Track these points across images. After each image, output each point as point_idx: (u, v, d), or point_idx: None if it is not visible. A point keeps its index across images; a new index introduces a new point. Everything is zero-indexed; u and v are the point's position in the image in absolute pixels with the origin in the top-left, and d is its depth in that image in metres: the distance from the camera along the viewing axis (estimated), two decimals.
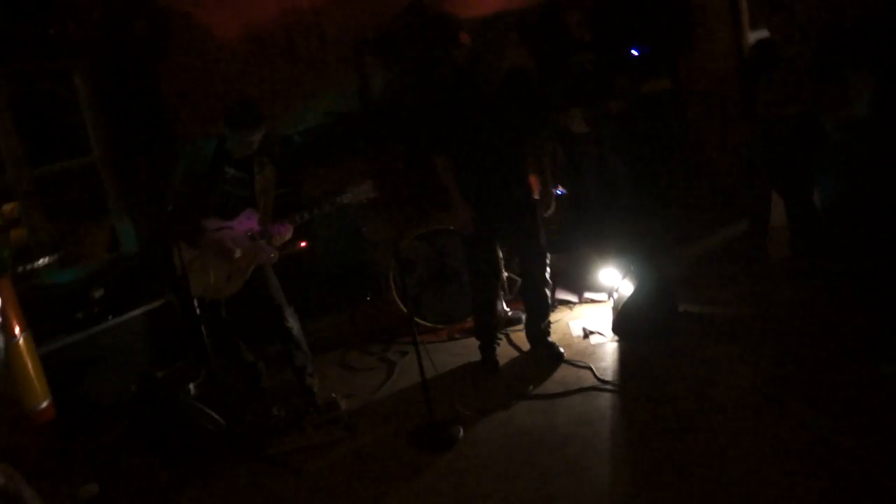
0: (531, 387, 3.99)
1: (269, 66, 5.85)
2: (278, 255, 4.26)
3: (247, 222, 4.16)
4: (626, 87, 5.17)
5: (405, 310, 4.62)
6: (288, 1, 5.95)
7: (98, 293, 4.91)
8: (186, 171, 4.11)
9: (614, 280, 4.87)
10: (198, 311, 3.87)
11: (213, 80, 5.72)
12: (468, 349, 4.65)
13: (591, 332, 4.61)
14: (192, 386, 4.69)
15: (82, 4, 5.12)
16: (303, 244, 5.76)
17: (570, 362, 4.24)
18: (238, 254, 4.11)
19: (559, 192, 6.19)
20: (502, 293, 5.14)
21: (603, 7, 5.69)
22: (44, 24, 4.92)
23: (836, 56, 3.52)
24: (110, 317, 4.68)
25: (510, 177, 4.15)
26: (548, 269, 4.40)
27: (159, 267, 4.91)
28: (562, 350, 4.35)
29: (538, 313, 4.44)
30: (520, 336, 4.77)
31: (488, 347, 4.44)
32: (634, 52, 5.82)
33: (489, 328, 4.46)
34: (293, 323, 4.38)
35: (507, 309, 5.12)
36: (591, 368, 4.08)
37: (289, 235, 4.24)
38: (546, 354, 4.37)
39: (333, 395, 4.19)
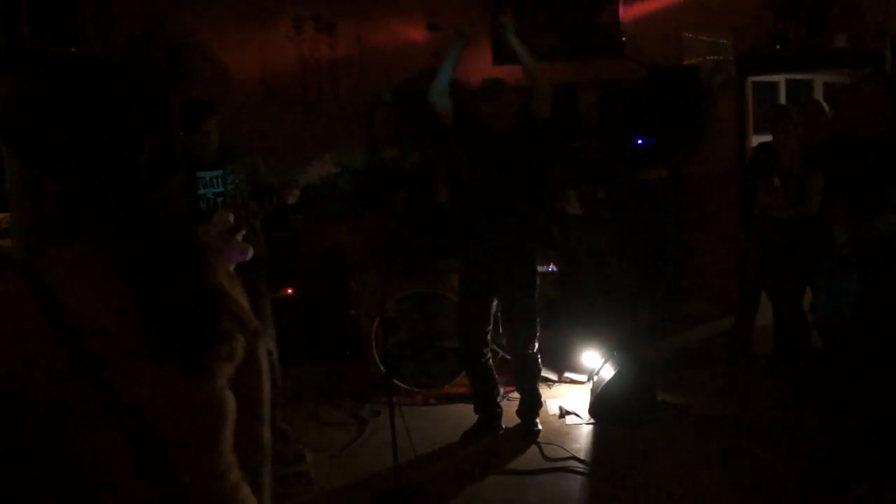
0: (504, 462, 3.95)
1: (282, 112, 5.94)
2: (252, 253, 4.08)
3: (218, 224, 4.02)
4: (622, 174, 5.25)
5: (384, 369, 4.58)
6: (308, 52, 6.07)
7: None
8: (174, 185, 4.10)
9: (595, 362, 4.86)
10: None
11: (223, 117, 5.77)
12: (443, 415, 4.61)
13: (568, 412, 4.58)
14: None
15: (109, 27, 5.21)
16: (289, 291, 5.75)
17: (542, 442, 4.19)
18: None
19: (550, 270, 6.24)
20: None
21: (613, 94, 5.82)
22: (66, 41, 4.99)
23: (855, 169, 3.59)
24: None
25: (516, 229, 4.16)
26: (535, 344, 4.38)
27: None
28: (538, 429, 4.31)
29: (518, 387, 4.41)
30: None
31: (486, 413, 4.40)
32: (639, 142, 5.94)
33: (483, 392, 4.41)
34: (272, 347, 4.28)
35: None
36: (571, 453, 4.04)
37: (246, 256, 4.07)
38: (521, 430, 4.31)
39: (301, 446, 4.11)
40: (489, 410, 4.41)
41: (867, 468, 3.48)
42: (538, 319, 4.37)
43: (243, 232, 4.05)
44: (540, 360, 4.47)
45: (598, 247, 5.39)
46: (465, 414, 4.44)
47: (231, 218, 4.02)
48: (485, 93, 4.17)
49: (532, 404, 4.42)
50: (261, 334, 1.42)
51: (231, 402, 1.26)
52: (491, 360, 4.44)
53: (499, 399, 4.82)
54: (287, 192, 3.99)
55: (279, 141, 5.82)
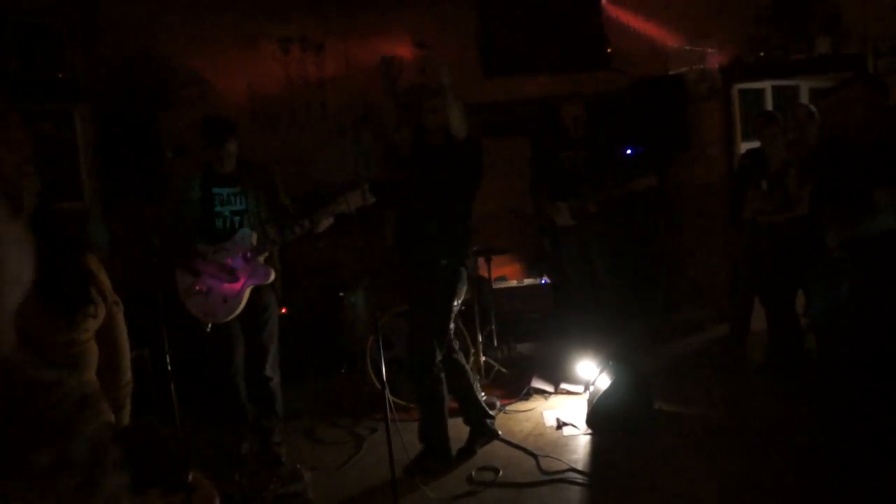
0: (500, 473, 3.93)
1: (271, 129, 5.96)
2: (274, 275, 4.12)
3: (241, 244, 4.03)
4: (611, 184, 5.25)
5: (379, 385, 4.56)
6: (295, 72, 6.10)
7: None
8: (179, 204, 4.07)
9: (591, 373, 4.85)
10: (169, 364, 3.74)
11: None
12: None
13: (565, 424, 4.56)
14: None
15: (96, 52, 5.23)
16: (283, 310, 5.73)
17: (539, 454, 4.18)
18: (226, 274, 3.98)
19: (543, 282, 6.25)
20: (477, 377, 5.09)
21: (600, 106, 5.85)
22: (54, 67, 5.01)
23: (844, 172, 3.62)
24: None
25: (436, 239, 4.03)
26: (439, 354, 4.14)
27: (142, 311, 4.82)
28: (495, 429, 4.39)
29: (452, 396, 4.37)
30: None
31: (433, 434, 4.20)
32: (628, 152, 5.97)
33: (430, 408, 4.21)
34: (273, 374, 4.22)
35: (483, 394, 5.06)
36: (569, 464, 4.03)
37: (269, 278, 4.11)
38: (476, 437, 4.33)
39: (298, 465, 4.08)
40: (440, 436, 4.22)
41: (866, 471, 3.48)
42: (450, 329, 4.20)
43: (266, 255, 4.08)
44: (465, 366, 4.37)
45: (590, 257, 5.38)
46: (462, 428, 4.42)
47: (254, 239, 4.04)
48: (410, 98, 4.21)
49: (471, 409, 4.35)
50: (120, 305, 2.26)
51: (94, 348, 2.10)
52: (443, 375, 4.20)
53: (494, 412, 4.81)
54: (319, 222, 3.95)
55: (268, 160, 5.83)
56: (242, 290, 4.04)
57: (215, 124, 4.04)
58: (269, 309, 4.18)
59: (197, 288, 3.95)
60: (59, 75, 5.03)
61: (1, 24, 4.81)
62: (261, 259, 4.07)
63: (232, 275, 3.99)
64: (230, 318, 4.03)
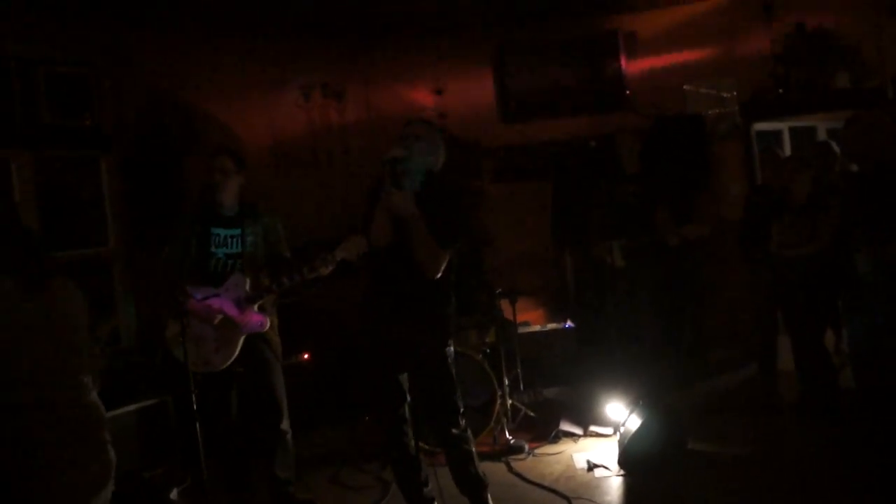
0: None
1: (296, 174, 6.00)
2: (268, 324, 3.91)
3: (234, 289, 3.83)
4: (667, 223, 5.13)
5: None
6: (318, 118, 6.18)
7: None
8: (176, 243, 3.96)
9: (621, 414, 4.76)
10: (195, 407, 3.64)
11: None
12: None
13: (596, 465, 4.45)
14: (176, 491, 4.47)
15: (122, 99, 5.33)
16: (305, 356, 5.69)
17: (572, 497, 4.06)
18: (218, 319, 3.79)
19: (567, 326, 6.18)
20: (504, 420, 5.01)
21: (655, 140, 5.80)
22: (82, 114, 5.10)
23: (872, 196, 3.59)
24: None
25: (420, 291, 3.40)
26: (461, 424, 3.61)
27: (159, 362, 4.79)
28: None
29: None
30: (521, 464, 4.63)
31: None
32: None
33: (407, 487, 3.70)
34: (288, 428, 4.08)
35: (510, 437, 4.97)
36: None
37: (264, 327, 3.90)
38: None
39: None
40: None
41: None
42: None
43: (259, 303, 3.89)
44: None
45: (637, 296, 5.27)
46: (490, 471, 4.30)
47: (248, 285, 3.85)
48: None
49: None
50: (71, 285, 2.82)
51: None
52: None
53: (523, 456, 4.71)
54: (317, 270, 3.69)
55: (291, 206, 5.87)
56: (236, 339, 3.84)
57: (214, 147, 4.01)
58: (268, 362, 3.97)
59: (187, 334, 3.57)
60: (87, 123, 5.12)
61: (30, 74, 4.91)
62: (254, 307, 3.88)
63: (224, 321, 3.81)
64: (224, 367, 3.85)
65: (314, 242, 5.81)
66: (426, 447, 4.87)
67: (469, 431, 3.65)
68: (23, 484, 2.67)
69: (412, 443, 3.60)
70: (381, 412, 3.65)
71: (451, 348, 3.56)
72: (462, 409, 3.59)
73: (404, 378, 3.55)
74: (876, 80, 5.97)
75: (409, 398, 3.56)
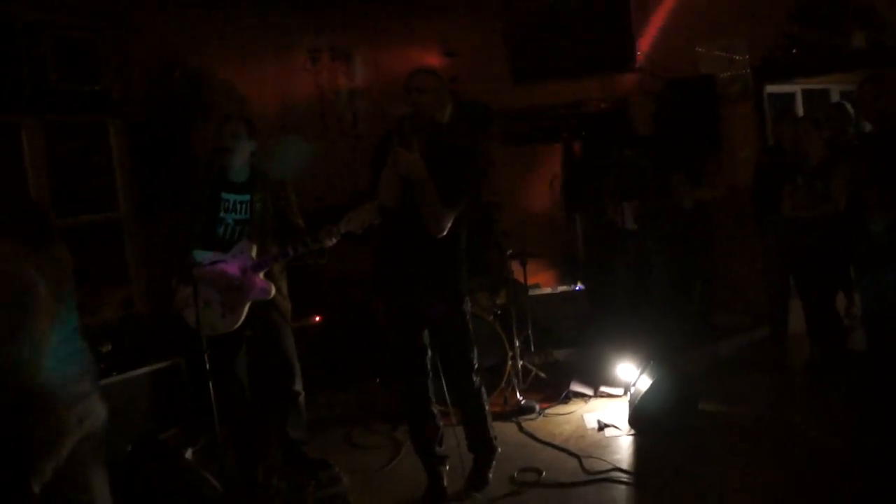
0: (543, 473, 3.86)
1: (304, 138, 5.97)
2: (273, 291, 3.88)
3: (241, 255, 3.81)
4: (683, 185, 5.10)
5: None
6: (325, 81, 6.14)
7: (105, 348, 4.82)
8: (188, 209, 3.97)
9: (631, 375, 4.77)
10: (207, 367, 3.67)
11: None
12: None
13: (607, 425, 4.48)
14: (190, 451, 4.53)
15: (129, 64, 5.30)
16: (317, 318, 5.72)
17: (581, 455, 4.10)
18: (224, 285, 3.76)
19: (577, 289, 6.18)
20: (515, 381, 5.04)
21: (668, 102, 5.75)
22: (90, 80, 5.08)
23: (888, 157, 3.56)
24: (114, 373, 4.58)
25: (431, 252, 3.42)
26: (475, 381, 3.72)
27: (171, 325, 4.81)
28: (487, 484, 3.77)
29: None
30: (532, 424, 4.68)
31: (429, 471, 3.74)
32: None
33: (423, 444, 3.75)
34: (301, 389, 4.10)
35: (521, 398, 5.00)
36: (613, 464, 3.94)
37: (269, 294, 3.87)
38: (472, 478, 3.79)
39: (337, 469, 4.03)
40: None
41: None
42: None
43: (266, 270, 3.86)
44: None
45: (648, 260, 5.26)
46: (501, 431, 4.34)
47: (254, 252, 3.83)
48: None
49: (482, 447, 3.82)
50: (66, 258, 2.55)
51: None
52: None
53: (534, 416, 4.74)
54: (322, 241, 3.70)
55: (298, 170, 5.86)
56: (241, 306, 3.82)
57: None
58: (277, 326, 3.98)
59: (194, 299, 3.59)
60: (95, 88, 5.10)
61: (37, 39, 4.88)
62: (261, 274, 3.85)
63: (230, 287, 3.80)
64: (229, 331, 3.85)
65: (324, 208, 5.84)
66: (438, 407, 4.93)
67: (483, 389, 3.73)
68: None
69: (431, 397, 3.69)
70: (400, 368, 3.70)
71: (468, 306, 3.61)
72: (476, 367, 3.66)
73: (425, 334, 3.62)
74: (892, 40, 5.85)
75: (429, 352, 3.64)
